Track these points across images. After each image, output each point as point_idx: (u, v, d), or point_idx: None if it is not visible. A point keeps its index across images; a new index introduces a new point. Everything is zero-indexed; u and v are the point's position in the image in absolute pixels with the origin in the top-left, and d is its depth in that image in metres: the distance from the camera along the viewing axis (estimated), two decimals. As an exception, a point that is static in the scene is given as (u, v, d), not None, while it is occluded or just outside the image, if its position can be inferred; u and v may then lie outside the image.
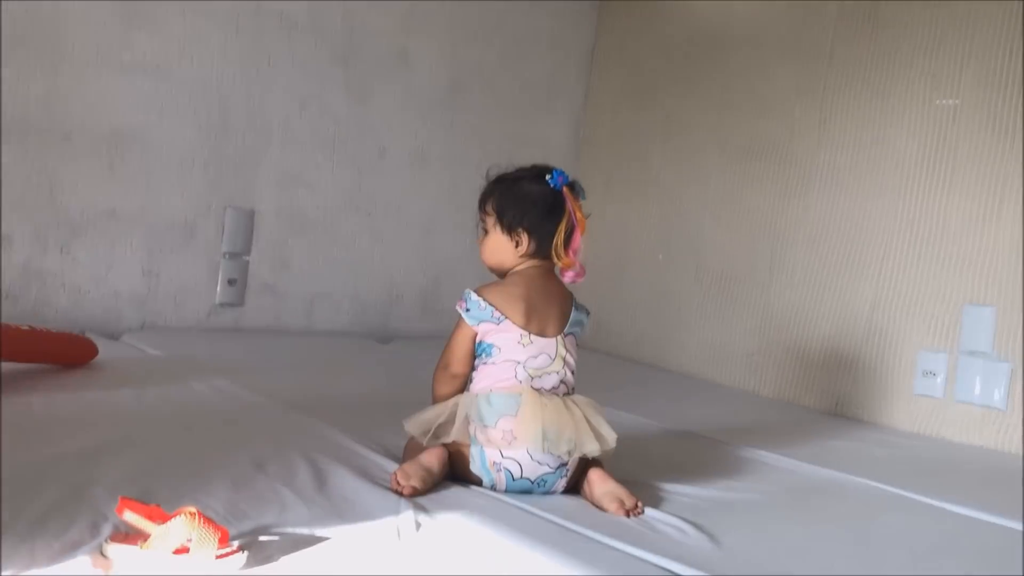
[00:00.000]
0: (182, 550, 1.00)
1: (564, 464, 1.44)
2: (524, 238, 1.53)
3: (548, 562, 1.17)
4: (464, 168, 3.19)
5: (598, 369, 2.95)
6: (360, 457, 1.53)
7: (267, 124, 2.70)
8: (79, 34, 2.34)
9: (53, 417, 1.56)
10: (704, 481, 1.66)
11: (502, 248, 1.55)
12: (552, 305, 1.54)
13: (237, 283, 2.67)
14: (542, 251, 1.54)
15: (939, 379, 2.42)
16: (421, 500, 1.34)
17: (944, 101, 2.49)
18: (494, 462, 1.42)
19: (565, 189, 1.54)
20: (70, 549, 1.00)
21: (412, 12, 2.98)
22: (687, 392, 2.71)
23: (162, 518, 1.02)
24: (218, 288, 2.64)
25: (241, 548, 1.04)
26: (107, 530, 1.05)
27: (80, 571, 0.96)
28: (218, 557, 1.01)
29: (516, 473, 1.42)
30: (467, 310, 1.51)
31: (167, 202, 2.54)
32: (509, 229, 1.53)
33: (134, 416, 1.64)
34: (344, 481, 1.38)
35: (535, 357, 1.49)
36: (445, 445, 1.45)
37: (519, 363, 1.47)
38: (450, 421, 1.46)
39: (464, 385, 1.53)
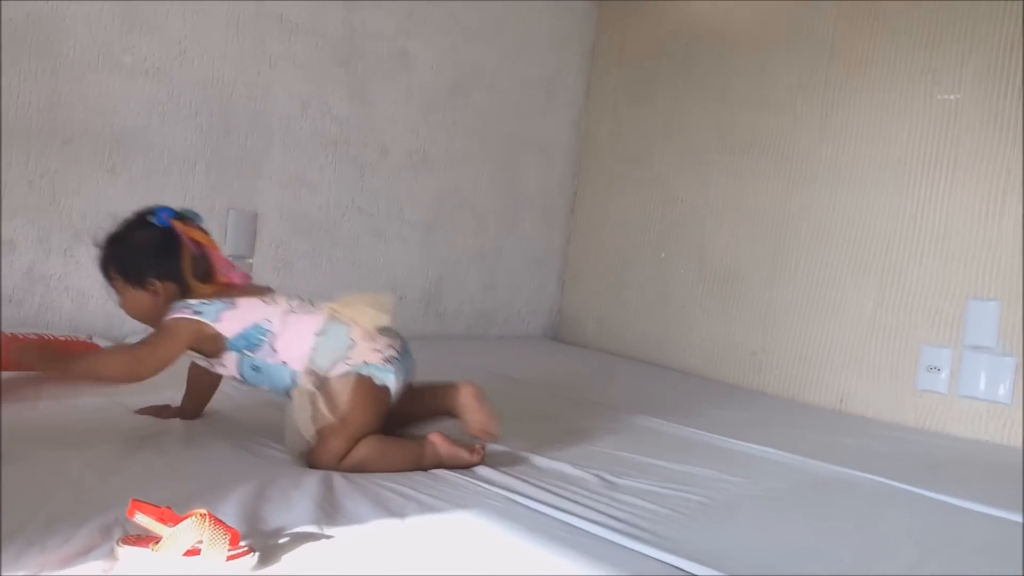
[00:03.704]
0: (193, 551, 1.01)
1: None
2: (158, 286, 1.51)
3: (559, 560, 1.17)
4: (465, 168, 3.20)
5: (600, 368, 2.96)
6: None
7: (269, 125, 2.70)
8: (80, 36, 2.34)
9: (62, 421, 1.56)
10: (708, 478, 1.67)
11: (145, 304, 1.52)
12: None
13: (241, 285, 2.67)
14: (184, 289, 1.52)
15: (943, 374, 2.42)
16: (430, 497, 1.34)
17: (945, 96, 2.49)
18: (380, 361, 1.50)
19: (173, 222, 1.52)
20: (82, 552, 1.00)
21: (412, 13, 2.98)
22: (690, 390, 2.72)
23: (173, 520, 1.03)
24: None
25: (251, 549, 1.04)
26: (118, 533, 1.06)
27: (92, 573, 0.96)
28: (229, 558, 1.01)
29: (391, 354, 1.53)
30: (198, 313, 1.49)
31: (170, 204, 2.52)
32: (140, 285, 1.51)
33: (140, 420, 1.64)
34: (349, 481, 1.38)
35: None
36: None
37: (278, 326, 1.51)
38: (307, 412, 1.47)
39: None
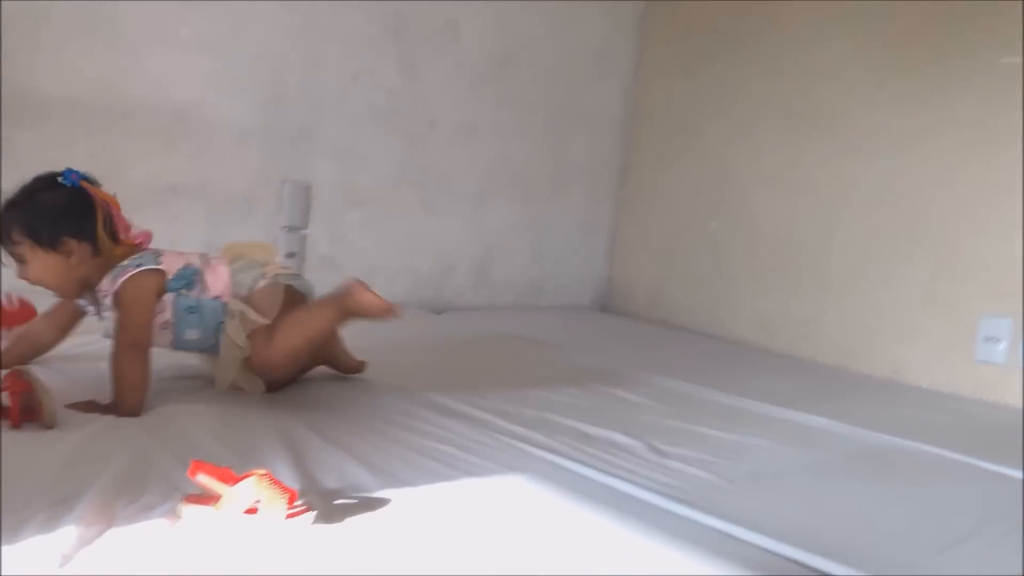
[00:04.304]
0: (252, 510, 1.04)
1: None
2: (73, 246, 1.48)
3: (609, 524, 1.19)
4: (514, 140, 3.20)
5: (649, 339, 2.96)
6: (419, 421, 1.55)
7: (321, 98, 2.73)
8: (137, 11, 2.38)
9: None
10: (758, 448, 1.66)
11: (56, 267, 1.49)
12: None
13: (296, 256, 2.72)
14: (97, 250, 1.51)
15: (1002, 345, 2.37)
16: (480, 459, 1.36)
17: (1008, 59, 2.42)
18: (287, 274, 1.66)
19: (83, 183, 1.51)
20: (147, 511, 1.04)
21: (461, -17, 2.98)
22: (740, 360, 2.70)
23: (233, 480, 1.06)
24: (278, 260, 2.68)
25: (309, 508, 1.08)
26: (180, 492, 1.10)
27: (157, 531, 1.00)
28: (287, 517, 1.04)
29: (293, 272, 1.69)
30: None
31: (226, 177, 2.59)
32: (52, 246, 1.47)
33: (207, 385, 1.68)
34: (399, 444, 1.41)
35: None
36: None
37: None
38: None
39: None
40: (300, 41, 2.67)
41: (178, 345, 1.59)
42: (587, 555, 1.09)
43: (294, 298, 1.63)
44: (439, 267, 3.08)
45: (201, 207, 2.55)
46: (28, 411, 1.29)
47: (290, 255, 2.70)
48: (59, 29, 2.27)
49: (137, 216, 2.42)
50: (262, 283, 1.61)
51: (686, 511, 1.27)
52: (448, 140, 3.03)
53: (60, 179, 1.49)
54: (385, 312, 1.63)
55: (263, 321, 1.56)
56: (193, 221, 2.54)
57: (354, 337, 1.89)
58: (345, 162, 2.81)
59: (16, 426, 1.27)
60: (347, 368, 1.85)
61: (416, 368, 2.01)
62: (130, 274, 1.50)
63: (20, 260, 1.49)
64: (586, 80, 3.36)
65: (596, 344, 2.68)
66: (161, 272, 1.53)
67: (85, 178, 1.52)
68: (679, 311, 3.22)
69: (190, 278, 1.56)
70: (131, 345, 1.47)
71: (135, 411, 1.41)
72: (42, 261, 1.48)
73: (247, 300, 1.58)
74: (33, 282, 1.52)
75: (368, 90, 2.82)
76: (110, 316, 1.53)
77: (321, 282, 2.77)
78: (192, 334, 1.58)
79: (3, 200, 1.49)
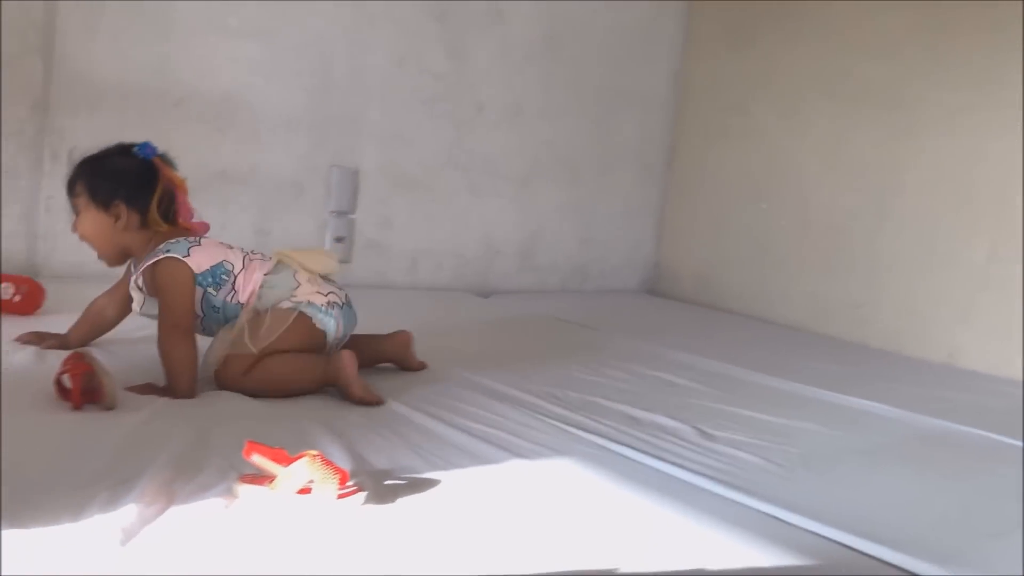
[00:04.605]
0: (305, 490, 1.06)
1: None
2: (123, 211, 1.52)
3: (656, 507, 1.19)
4: (561, 121, 3.18)
5: (697, 322, 2.94)
6: (466, 403, 1.56)
7: (368, 83, 2.75)
8: (188, 1, 2.42)
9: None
10: (808, 432, 1.65)
11: (102, 227, 1.53)
12: None
13: (344, 240, 2.75)
14: (145, 223, 1.53)
15: (1061, 328, 2.31)
16: (527, 443, 1.37)
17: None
18: (323, 303, 1.57)
19: (156, 158, 1.54)
20: (204, 489, 1.07)
21: (507, -35, 2.97)
22: (790, 344, 2.67)
23: (286, 461, 1.08)
24: (326, 245, 2.72)
25: (360, 488, 1.09)
26: (236, 472, 1.12)
27: (214, 509, 1.03)
28: (339, 497, 1.07)
29: (334, 300, 1.60)
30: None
31: (275, 162, 2.62)
32: (105, 206, 1.51)
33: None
34: (447, 426, 1.43)
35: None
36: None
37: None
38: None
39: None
40: (347, 27, 2.68)
41: (206, 333, 1.59)
42: (635, 538, 1.10)
43: (310, 334, 1.56)
44: (485, 251, 3.09)
45: (251, 193, 2.59)
46: (89, 392, 1.32)
47: (338, 239, 2.73)
48: (114, 19, 2.31)
49: (191, 200, 2.48)
50: (284, 304, 1.55)
51: (735, 495, 1.27)
52: (494, 123, 3.02)
53: (135, 149, 1.54)
54: (363, 402, 1.51)
55: (249, 349, 1.50)
56: (243, 207, 2.57)
57: (401, 322, 1.91)
58: (392, 147, 2.83)
59: (78, 407, 1.31)
60: (410, 367, 1.79)
61: (463, 351, 2.02)
62: (158, 259, 1.50)
63: (76, 212, 1.55)
64: (633, 60, 3.33)
65: (643, 328, 2.67)
66: (185, 264, 1.50)
67: (161, 156, 1.56)
68: (727, 294, 3.20)
69: (220, 278, 1.54)
70: (173, 327, 1.48)
71: (188, 392, 1.44)
72: (92, 218, 1.53)
73: (254, 320, 1.52)
74: (81, 237, 1.56)
75: (414, 74, 2.83)
76: (139, 293, 1.56)
77: (368, 267, 2.83)
78: (217, 330, 1.57)
79: (78, 156, 1.55)
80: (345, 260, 2.77)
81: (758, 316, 3.06)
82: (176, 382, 1.45)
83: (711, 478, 1.32)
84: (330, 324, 1.58)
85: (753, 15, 3.16)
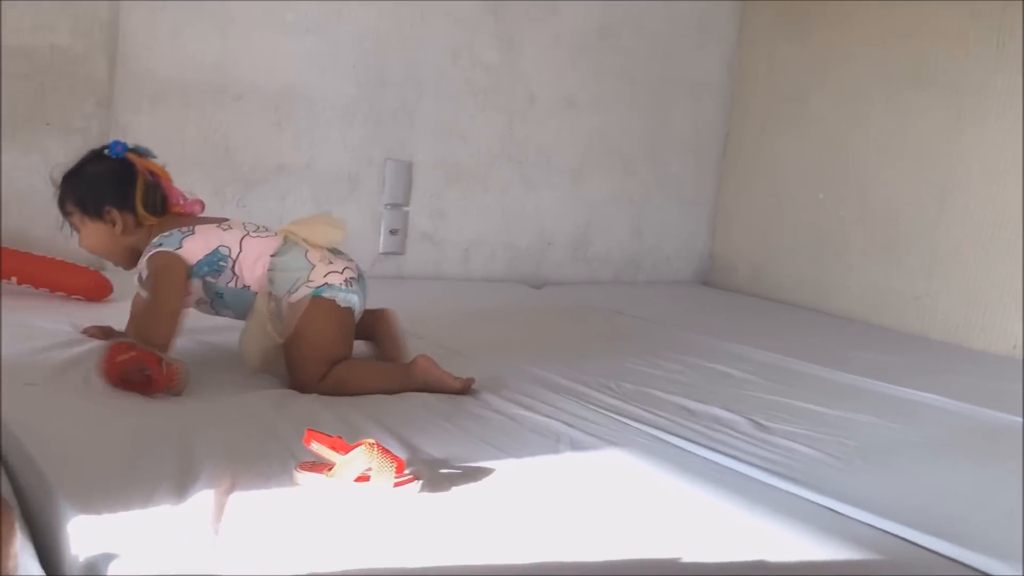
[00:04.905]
0: (363, 478, 1.08)
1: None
2: (116, 215, 1.52)
3: (711, 498, 1.19)
4: (614, 112, 3.17)
5: (753, 313, 2.91)
6: (521, 394, 1.57)
7: (421, 77, 2.77)
8: (246, -2, 2.46)
9: (225, 363, 1.67)
10: (866, 424, 1.63)
11: (103, 236, 1.54)
12: None
13: (398, 233, 2.77)
14: (139, 219, 1.53)
15: None
16: (582, 434, 1.38)
17: None
18: (342, 282, 1.52)
19: (129, 154, 1.53)
20: (266, 476, 1.09)
21: (559, -44, 2.96)
22: (848, 336, 2.63)
23: (344, 449, 1.10)
24: (381, 238, 2.75)
25: (416, 477, 1.11)
26: (295, 460, 1.14)
27: (275, 496, 1.05)
28: (395, 485, 1.08)
29: (351, 276, 1.55)
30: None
31: (331, 156, 2.66)
32: (98, 215, 1.52)
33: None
34: (507, 416, 1.44)
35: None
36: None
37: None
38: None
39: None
40: (400, 20, 2.70)
41: (218, 314, 1.58)
42: (691, 529, 1.10)
43: (340, 315, 1.52)
44: (538, 242, 3.09)
45: (308, 185, 2.63)
46: (154, 381, 1.36)
47: (393, 231, 2.76)
48: (174, 16, 2.37)
49: (248, 195, 2.53)
50: (303, 291, 1.49)
51: (791, 487, 1.26)
52: (547, 114, 3.02)
53: (106, 151, 1.55)
54: (452, 388, 1.52)
55: (276, 339, 1.48)
56: (301, 199, 2.62)
57: (454, 312, 1.92)
58: (445, 139, 2.85)
59: (154, 395, 1.34)
60: (394, 356, 1.66)
61: (516, 342, 2.03)
62: (151, 254, 1.49)
63: (75, 229, 1.57)
64: (687, 48, 3.30)
65: (698, 319, 2.65)
66: (177, 256, 1.48)
67: (133, 149, 1.56)
68: (783, 285, 3.16)
69: (217, 264, 1.50)
70: (153, 321, 1.46)
71: (162, 344, 1.42)
72: (91, 230, 1.55)
73: (277, 307, 1.49)
74: (89, 251, 1.58)
75: (467, 67, 2.84)
76: (142, 288, 1.53)
77: (422, 259, 2.86)
78: (227, 313, 1.57)
79: (63, 172, 1.56)
80: (399, 252, 2.80)
81: (815, 307, 3.02)
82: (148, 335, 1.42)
83: (767, 470, 1.31)
84: (355, 301, 1.54)
85: (809, 2, 3.11)
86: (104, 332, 1.64)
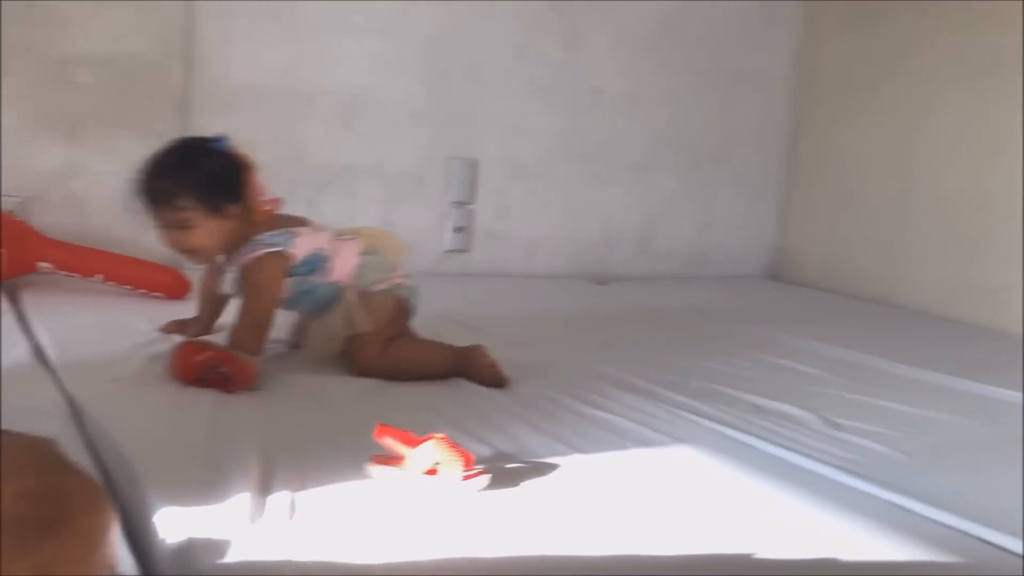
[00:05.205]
0: (432, 471, 1.10)
1: None
2: (233, 209, 1.48)
3: (782, 496, 1.18)
4: (678, 106, 3.15)
5: (823, 308, 2.86)
6: (586, 390, 1.58)
7: (485, 75, 2.79)
8: (315, 1, 2.51)
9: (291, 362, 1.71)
10: (941, 421, 1.59)
11: (220, 233, 1.49)
12: None
13: (464, 230, 2.80)
14: (247, 214, 1.51)
15: None
16: (649, 431, 1.38)
17: None
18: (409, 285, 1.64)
19: (229, 147, 1.50)
20: (339, 470, 1.12)
21: (623, -50, 2.95)
22: (922, 330, 2.57)
23: (414, 443, 1.13)
24: (446, 235, 2.79)
25: (484, 471, 1.13)
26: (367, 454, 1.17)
27: (349, 489, 1.08)
28: (464, 479, 1.10)
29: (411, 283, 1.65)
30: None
31: (398, 155, 2.70)
32: (219, 211, 1.47)
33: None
34: (574, 412, 1.45)
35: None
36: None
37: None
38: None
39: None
40: (465, 20, 2.73)
41: (292, 310, 1.63)
42: (759, 527, 1.09)
43: (404, 311, 1.64)
44: (602, 237, 3.09)
45: (376, 185, 2.68)
46: (232, 379, 1.40)
47: (458, 229, 2.79)
48: (246, 22, 2.43)
49: (318, 195, 2.59)
50: (383, 285, 1.60)
51: (864, 485, 1.24)
52: (611, 109, 3.02)
53: (213, 143, 1.50)
54: (497, 382, 1.58)
55: (366, 327, 1.55)
56: (370, 199, 2.66)
57: (520, 309, 1.93)
58: (509, 137, 2.87)
59: (231, 392, 1.38)
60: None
61: (581, 339, 2.04)
62: (261, 253, 1.50)
63: (182, 226, 1.48)
64: (753, 39, 3.25)
65: (766, 314, 2.62)
66: (288, 257, 1.52)
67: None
68: (855, 279, 3.10)
69: (315, 264, 1.55)
70: (251, 324, 1.50)
71: (256, 352, 1.47)
72: (208, 227, 1.48)
73: (363, 298, 1.57)
74: (190, 248, 1.51)
75: (531, 64, 2.86)
76: (232, 276, 1.55)
77: (486, 256, 2.88)
78: (304, 309, 1.62)
79: (150, 166, 1.48)
80: (464, 249, 2.83)
81: (887, 301, 2.95)
82: (243, 354, 1.44)
83: (838, 467, 1.30)
84: (417, 304, 1.65)
85: (881, -11, 3.04)
86: (179, 326, 1.66)
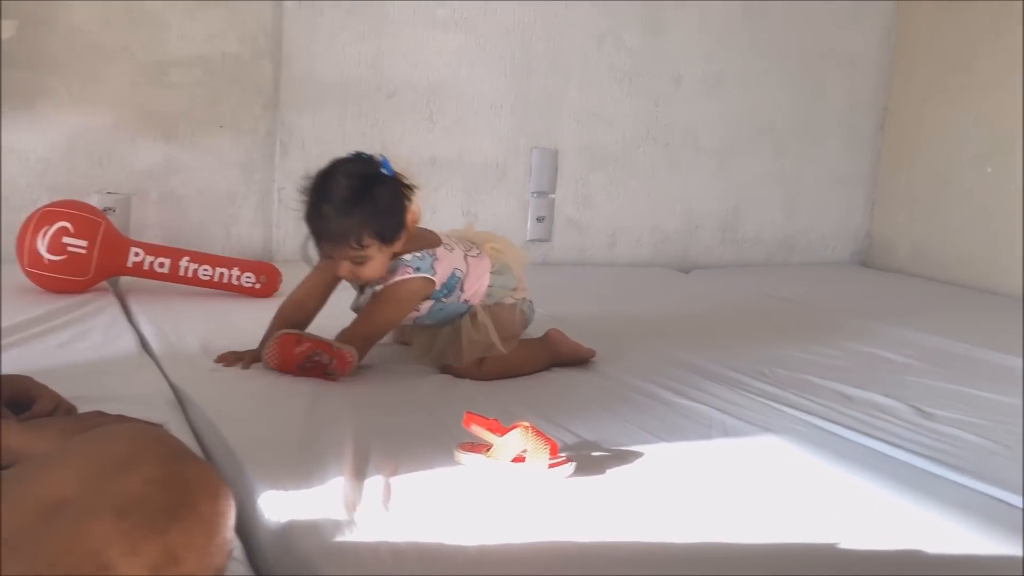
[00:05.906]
0: (519, 459, 1.13)
1: None
2: (402, 235, 1.47)
3: (872, 487, 1.17)
4: (763, 89, 3.10)
5: (915, 294, 2.78)
6: (671, 379, 1.58)
7: (566, 64, 2.80)
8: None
9: (387, 358, 1.75)
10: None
11: (386, 258, 1.47)
12: None
13: (545, 220, 2.82)
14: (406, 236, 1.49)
15: None
16: (734, 419, 1.38)
17: None
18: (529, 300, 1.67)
19: (395, 170, 1.47)
20: (429, 456, 1.16)
21: (704, -66, 2.91)
22: (1017, 317, 2.47)
23: (501, 431, 1.15)
24: (528, 225, 2.81)
25: (569, 459, 1.15)
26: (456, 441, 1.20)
27: (439, 474, 1.12)
28: (550, 466, 1.13)
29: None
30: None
31: (480, 147, 2.73)
32: (392, 241, 1.45)
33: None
34: (658, 401, 1.45)
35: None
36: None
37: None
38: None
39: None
40: (545, 10, 2.74)
41: (417, 322, 1.62)
42: (847, 517, 1.08)
43: (524, 325, 1.67)
44: (685, 225, 3.07)
45: (459, 177, 2.71)
46: (327, 365, 1.45)
47: (539, 219, 2.81)
48: (332, 20, 2.49)
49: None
50: (508, 300, 1.61)
51: (956, 476, 1.22)
52: (693, 94, 2.99)
53: (383, 169, 1.46)
54: (585, 357, 1.66)
55: (500, 349, 1.55)
56: (452, 191, 2.70)
57: (603, 298, 1.94)
58: (590, 125, 2.87)
59: (329, 379, 1.43)
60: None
61: (666, 327, 2.04)
62: (408, 277, 1.49)
63: (362, 262, 1.44)
64: (840, 19, 3.17)
65: (855, 301, 2.57)
66: (433, 283, 1.51)
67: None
68: (947, 264, 3.00)
69: (453, 286, 1.54)
70: (369, 335, 1.50)
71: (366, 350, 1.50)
72: (382, 257, 1.46)
73: (491, 315, 1.58)
74: (363, 279, 1.49)
75: (611, 52, 2.85)
76: (367, 297, 1.54)
77: (568, 245, 2.89)
78: (430, 321, 1.61)
79: (327, 200, 1.42)
80: (546, 239, 2.84)
81: (981, 287, 2.86)
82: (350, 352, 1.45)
83: (930, 458, 1.28)
84: (532, 317, 1.68)
85: (976, -37, 2.93)
86: (236, 357, 1.51)
